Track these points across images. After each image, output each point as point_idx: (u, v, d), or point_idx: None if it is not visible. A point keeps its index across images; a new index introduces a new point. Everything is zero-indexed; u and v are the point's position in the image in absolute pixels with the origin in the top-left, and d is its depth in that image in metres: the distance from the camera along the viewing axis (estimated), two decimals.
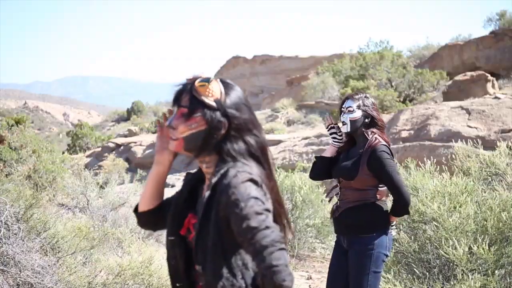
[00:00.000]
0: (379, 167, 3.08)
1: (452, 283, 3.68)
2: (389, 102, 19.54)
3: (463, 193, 3.98)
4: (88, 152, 23.86)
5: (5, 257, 4.11)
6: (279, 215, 1.67)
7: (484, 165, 4.64)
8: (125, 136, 28.86)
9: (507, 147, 4.86)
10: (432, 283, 3.77)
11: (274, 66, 39.30)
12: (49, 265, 4.17)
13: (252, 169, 1.61)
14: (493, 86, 17.67)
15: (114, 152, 21.99)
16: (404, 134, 12.19)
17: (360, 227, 3.13)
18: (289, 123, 23.19)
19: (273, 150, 15.83)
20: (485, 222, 3.69)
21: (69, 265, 4.33)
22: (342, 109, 3.26)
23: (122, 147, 22.45)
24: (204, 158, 1.68)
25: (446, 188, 4.05)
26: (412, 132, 12.08)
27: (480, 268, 3.58)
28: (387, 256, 3.18)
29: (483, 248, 3.45)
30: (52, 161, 8.62)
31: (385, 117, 14.50)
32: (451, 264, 3.77)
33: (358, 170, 3.13)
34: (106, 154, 21.22)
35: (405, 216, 4.11)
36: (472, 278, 3.44)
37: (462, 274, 3.51)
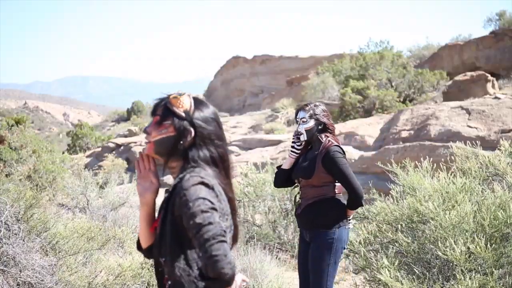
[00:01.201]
0: (333, 165, 3.41)
1: (451, 283, 3.68)
2: (389, 102, 19.53)
3: (461, 192, 3.98)
4: (88, 152, 23.86)
5: (5, 257, 4.11)
6: (233, 214, 1.91)
7: (484, 166, 4.64)
8: (125, 136, 28.86)
9: (507, 147, 4.86)
10: (431, 283, 3.77)
11: (274, 66, 39.30)
12: (49, 265, 4.17)
13: (208, 173, 1.83)
14: (493, 86, 17.67)
15: (114, 152, 21.98)
16: (404, 134, 12.18)
17: (320, 221, 3.43)
18: (289, 123, 23.19)
19: (273, 150, 15.82)
20: (482, 221, 3.69)
21: (69, 265, 4.33)
22: (297, 119, 3.62)
23: (122, 147, 22.44)
24: (172, 163, 1.90)
25: (444, 187, 4.05)
26: (412, 132, 12.08)
27: (479, 268, 3.58)
28: (345, 248, 3.51)
29: (481, 247, 3.45)
30: (52, 161, 8.62)
31: (385, 117, 14.50)
32: (451, 264, 3.77)
33: (314, 169, 3.46)
34: (106, 154, 21.21)
35: (404, 216, 4.13)
36: (471, 278, 3.44)
37: (461, 274, 3.51)
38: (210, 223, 1.70)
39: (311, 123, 3.55)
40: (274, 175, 3.78)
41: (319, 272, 3.37)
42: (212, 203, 1.75)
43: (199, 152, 1.86)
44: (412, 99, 20.90)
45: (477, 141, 5.26)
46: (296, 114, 3.65)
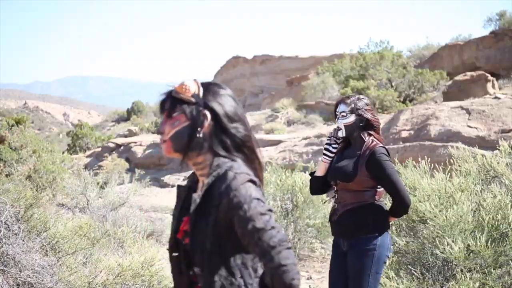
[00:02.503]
0: (379, 169, 3.03)
1: (451, 283, 3.68)
2: (389, 102, 19.53)
3: (458, 191, 3.97)
4: (88, 152, 23.88)
5: (5, 257, 4.11)
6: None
7: (482, 168, 4.64)
8: (125, 136, 28.85)
9: (509, 147, 4.86)
10: (431, 283, 3.77)
11: (274, 66, 39.28)
12: (49, 265, 4.17)
13: (245, 167, 1.63)
14: (493, 86, 17.67)
15: (114, 152, 21.99)
16: (404, 134, 12.19)
17: (361, 228, 3.06)
18: (289, 123, 23.17)
19: (273, 150, 15.83)
20: (482, 221, 3.69)
21: (69, 265, 4.33)
22: (337, 113, 3.21)
23: (122, 147, 22.45)
24: (196, 159, 1.67)
25: (442, 186, 4.05)
26: (412, 132, 12.08)
27: (479, 267, 3.58)
28: (388, 257, 3.12)
29: (481, 244, 3.45)
30: (52, 161, 8.62)
31: (385, 117, 14.49)
32: (450, 264, 3.77)
33: (357, 171, 3.06)
34: (106, 154, 21.23)
35: (404, 216, 4.12)
36: (471, 278, 3.44)
37: (461, 273, 3.51)
38: (272, 228, 1.52)
39: (352, 118, 3.12)
40: (309, 182, 3.38)
41: (359, 282, 3.00)
42: (265, 203, 1.57)
43: (223, 139, 1.64)
44: (412, 99, 20.90)
45: (478, 141, 5.26)
46: (336, 107, 3.21)
